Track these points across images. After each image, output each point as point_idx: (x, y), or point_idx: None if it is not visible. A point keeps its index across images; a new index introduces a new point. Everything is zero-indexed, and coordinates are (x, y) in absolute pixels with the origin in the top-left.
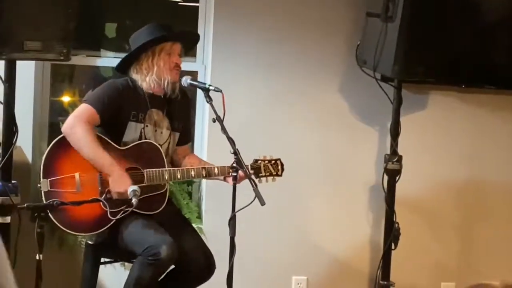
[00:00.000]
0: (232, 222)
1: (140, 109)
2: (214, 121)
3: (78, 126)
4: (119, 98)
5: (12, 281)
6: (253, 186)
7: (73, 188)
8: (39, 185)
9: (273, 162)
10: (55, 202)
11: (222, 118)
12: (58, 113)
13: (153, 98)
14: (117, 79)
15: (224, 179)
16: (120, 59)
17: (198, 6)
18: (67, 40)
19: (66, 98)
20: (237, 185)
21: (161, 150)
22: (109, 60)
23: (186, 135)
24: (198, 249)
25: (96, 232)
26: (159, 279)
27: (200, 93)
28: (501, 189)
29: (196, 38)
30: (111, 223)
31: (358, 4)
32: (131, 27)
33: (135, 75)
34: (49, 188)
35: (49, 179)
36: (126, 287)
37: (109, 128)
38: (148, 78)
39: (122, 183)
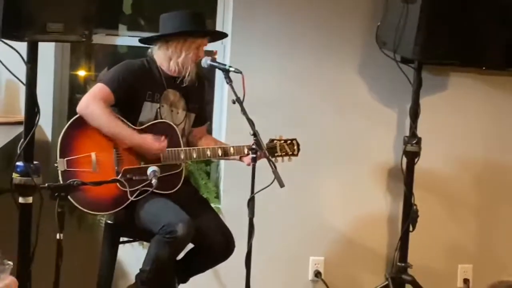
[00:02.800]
0: (251, 203)
1: (156, 89)
2: (234, 103)
3: (93, 104)
4: (134, 78)
5: None
6: (272, 168)
7: (89, 168)
8: (56, 165)
9: (289, 142)
10: (75, 182)
11: (242, 99)
12: (77, 89)
13: (169, 79)
14: (133, 59)
15: (240, 159)
16: (139, 37)
17: None
18: (88, 22)
19: (83, 73)
20: (256, 165)
21: (177, 130)
22: (129, 39)
23: (201, 116)
24: (217, 228)
25: (113, 211)
26: (178, 258)
27: (218, 74)
28: None
29: (224, 36)
30: (128, 202)
31: None
32: (146, 4)
33: (158, 53)
34: (65, 168)
35: (65, 159)
36: (144, 265)
37: (125, 108)
38: (172, 61)
39: (151, 144)
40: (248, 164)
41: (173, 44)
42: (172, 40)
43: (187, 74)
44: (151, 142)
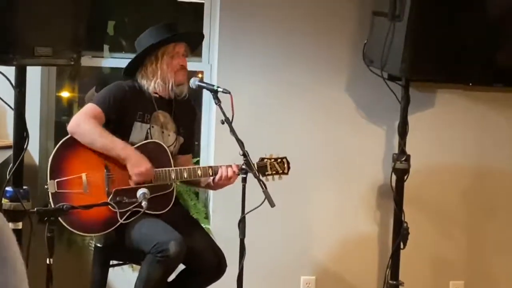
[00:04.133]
0: (241, 224)
1: (146, 110)
2: (222, 123)
3: (85, 122)
4: (125, 98)
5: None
6: (262, 188)
7: (80, 189)
8: (46, 186)
9: (279, 160)
10: (64, 206)
11: (230, 119)
12: (63, 111)
13: (159, 100)
14: (124, 81)
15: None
16: (125, 59)
17: (201, 3)
18: (77, 45)
19: (67, 94)
20: (243, 185)
21: (168, 150)
22: (114, 60)
23: (189, 143)
24: (209, 248)
25: (104, 232)
26: (169, 279)
27: (206, 94)
28: (508, 186)
29: (199, 37)
30: (119, 223)
31: (365, 2)
32: (130, 25)
33: (141, 80)
34: (56, 189)
35: (56, 180)
36: (136, 287)
37: (116, 128)
38: (153, 82)
39: (141, 163)
40: (219, 179)
41: (148, 65)
42: (145, 62)
43: (170, 88)
44: (141, 163)
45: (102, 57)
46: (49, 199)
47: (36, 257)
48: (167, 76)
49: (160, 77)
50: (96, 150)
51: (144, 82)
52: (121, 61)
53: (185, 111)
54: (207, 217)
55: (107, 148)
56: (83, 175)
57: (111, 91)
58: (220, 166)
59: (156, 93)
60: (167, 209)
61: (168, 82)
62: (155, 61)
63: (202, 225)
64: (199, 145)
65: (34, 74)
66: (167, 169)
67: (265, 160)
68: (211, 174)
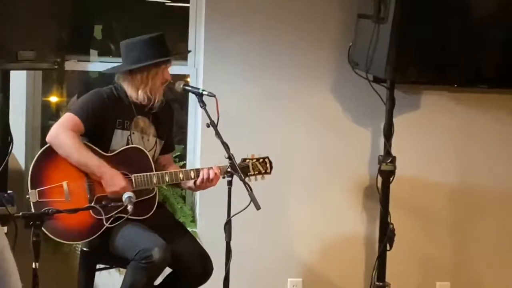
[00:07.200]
0: (227, 226)
1: (126, 116)
2: (208, 126)
3: (63, 134)
4: (104, 106)
5: None
6: (248, 190)
7: (61, 197)
8: (27, 196)
9: (261, 160)
10: (50, 210)
11: (216, 123)
12: (49, 116)
13: (138, 106)
14: (102, 88)
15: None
16: (110, 63)
17: (187, 7)
18: (60, 49)
19: (55, 99)
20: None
21: (148, 155)
22: (100, 65)
23: (169, 144)
24: (194, 251)
25: (87, 240)
26: (155, 283)
27: (191, 98)
28: (493, 188)
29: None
30: (102, 230)
31: (350, 5)
32: (117, 29)
33: (124, 83)
34: (37, 199)
35: (37, 190)
36: None
37: (96, 136)
38: (140, 91)
39: (116, 181)
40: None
41: (137, 75)
42: (136, 71)
43: (156, 100)
44: (115, 182)
45: (89, 61)
46: (31, 208)
47: (22, 262)
48: (156, 89)
49: (150, 88)
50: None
51: (127, 87)
52: (107, 65)
53: (162, 113)
54: (193, 220)
55: (82, 164)
56: (64, 184)
57: (90, 100)
58: (202, 168)
59: (135, 100)
60: (149, 214)
61: (155, 95)
62: (148, 74)
63: (189, 228)
64: (185, 148)
65: (19, 78)
66: (148, 174)
67: (247, 160)
68: (192, 177)
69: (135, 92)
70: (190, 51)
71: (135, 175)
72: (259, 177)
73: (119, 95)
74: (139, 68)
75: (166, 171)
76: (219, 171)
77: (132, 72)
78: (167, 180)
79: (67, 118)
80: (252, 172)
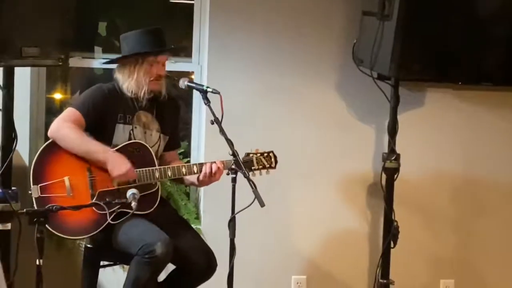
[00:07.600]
0: (232, 223)
1: (128, 111)
2: (212, 123)
3: (64, 127)
4: (105, 101)
5: None
6: (252, 187)
7: (63, 192)
8: (30, 192)
9: (265, 154)
10: (54, 207)
11: (220, 120)
12: (54, 112)
13: (140, 100)
14: (105, 83)
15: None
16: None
17: (191, 4)
18: (64, 46)
19: (59, 96)
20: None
21: (151, 150)
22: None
23: (174, 140)
24: (198, 247)
25: (90, 234)
26: (160, 279)
27: (196, 95)
28: (497, 185)
29: (183, 50)
30: (104, 225)
31: (355, 2)
32: (121, 26)
33: (118, 76)
34: (39, 194)
35: (39, 185)
36: None
37: (98, 131)
38: (127, 82)
39: (121, 164)
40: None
41: (127, 66)
42: (127, 61)
43: (142, 94)
44: (121, 165)
45: (93, 58)
46: (33, 204)
47: (26, 259)
48: (142, 81)
49: (135, 80)
50: (76, 154)
51: (119, 78)
52: None
53: (167, 109)
54: (198, 217)
55: (86, 152)
56: (66, 179)
57: (91, 95)
58: (205, 163)
59: (130, 93)
60: (152, 209)
61: (141, 87)
62: (135, 64)
63: (193, 225)
64: (189, 145)
65: (23, 75)
66: (150, 168)
67: (251, 155)
68: (195, 171)
69: (124, 84)
70: (184, 47)
71: (138, 169)
72: (263, 171)
73: (121, 89)
74: (128, 60)
75: (169, 166)
76: (223, 165)
77: (124, 63)
78: (169, 174)
79: (69, 113)
80: (256, 166)
